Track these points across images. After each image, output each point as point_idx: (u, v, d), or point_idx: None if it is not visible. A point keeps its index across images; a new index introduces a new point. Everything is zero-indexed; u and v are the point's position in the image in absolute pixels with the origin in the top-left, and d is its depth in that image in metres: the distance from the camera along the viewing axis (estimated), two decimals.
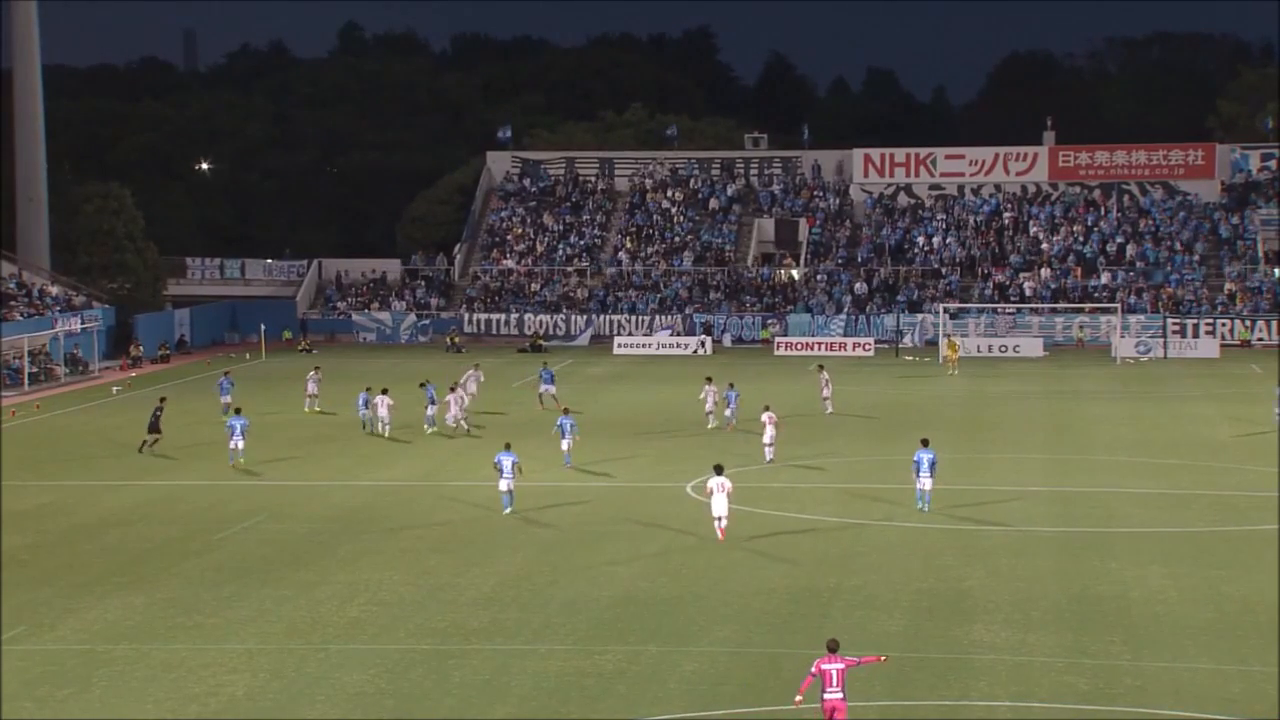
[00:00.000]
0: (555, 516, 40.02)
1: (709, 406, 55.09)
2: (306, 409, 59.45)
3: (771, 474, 45.35)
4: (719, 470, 37.37)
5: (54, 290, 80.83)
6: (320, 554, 36.15)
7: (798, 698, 22.98)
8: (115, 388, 69.29)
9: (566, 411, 49.54)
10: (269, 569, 34.68)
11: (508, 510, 40.08)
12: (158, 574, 34.38)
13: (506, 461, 39.96)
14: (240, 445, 47.75)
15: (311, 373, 60.98)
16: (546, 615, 30.64)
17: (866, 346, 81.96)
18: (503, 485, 39.98)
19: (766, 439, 47.29)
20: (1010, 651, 28.06)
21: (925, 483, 39.52)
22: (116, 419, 59.35)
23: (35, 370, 71.18)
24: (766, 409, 48.44)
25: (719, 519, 36.82)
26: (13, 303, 76.57)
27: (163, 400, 53.06)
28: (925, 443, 40.37)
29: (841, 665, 22.61)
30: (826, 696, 22.50)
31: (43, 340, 73.63)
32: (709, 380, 56.64)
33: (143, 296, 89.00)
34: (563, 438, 46.79)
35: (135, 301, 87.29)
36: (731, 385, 55.58)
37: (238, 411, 49.43)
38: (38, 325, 74.29)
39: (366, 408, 54.63)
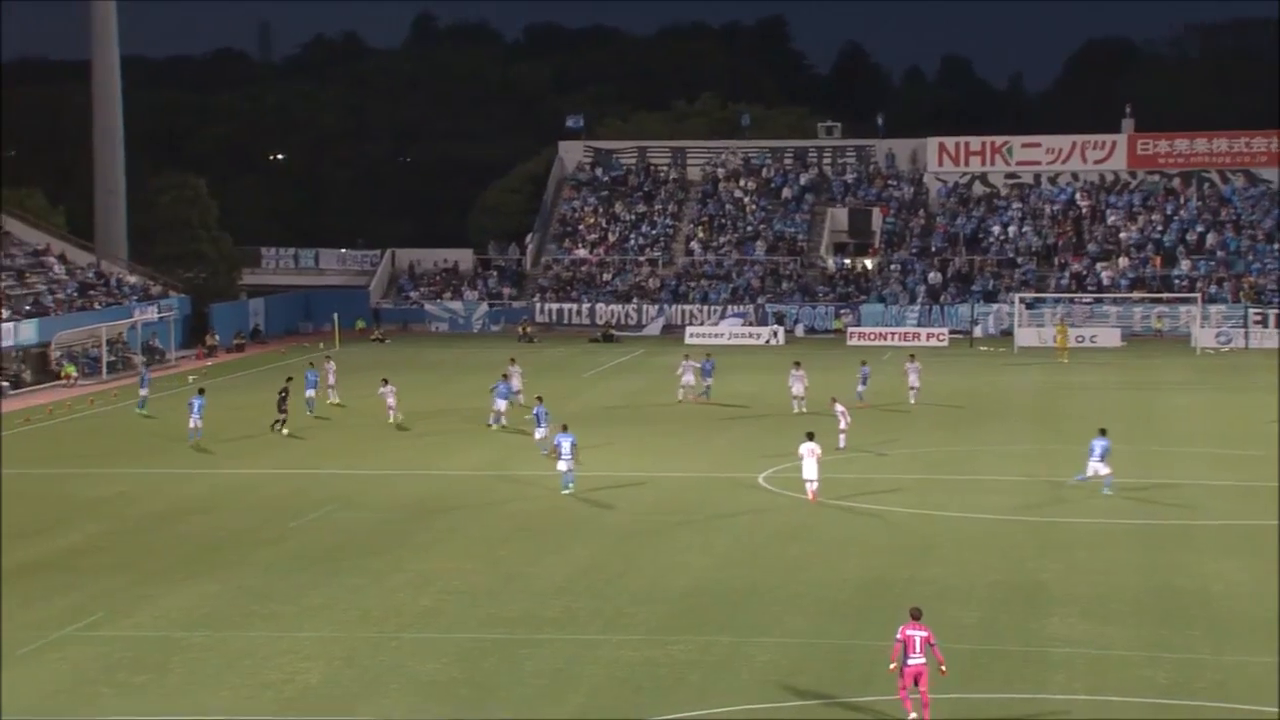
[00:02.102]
0: (628, 506, 39.95)
1: (798, 391, 54.81)
2: (330, 401, 58.21)
3: (845, 464, 45.03)
4: (810, 436, 39.55)
5: (132, 280, 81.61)
6: (392, 543, 36.25)
7: (891, 665, 23.86)
8: (191, 377, 69.76)
9: (540, 400, 47.51)
10: (342, 557, 34.81)
11: (566, 490, 40.63)
12: (232, 562, 34.60)
13: (565, 443, 40.64)
14: (198, 424, 49.50)
15: (327, 364, 59.99)
16: (619, 605, 30.55)
17: (941, 337, 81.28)
18: (561, 465, 40.69)
19: (841, 426, 47.16)
20: (1088, 645, 27.70)
21: (1096, 468, 39.92)
22: None
23: (113, 359, 71.90)
24: (834, 400, 48.48)
25: (810, 481, 39.10)
26: (92, 292, 77.42)
27: (289, 380, 54.27)
28: (1103, 432, 40.90)
29: (924, 633, 23.64)
30: (910, 662, 23.55)
31: (120, 329, 74.39)
32: (797, 364, 56.40)
33: (218, 286, 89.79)
34: (538, 426, 45.64)
35: (211, 291, 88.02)
36: (864, 362, 58.15)
37: (201, 392, 50.94)
38: (116, 314, 75.02)
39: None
